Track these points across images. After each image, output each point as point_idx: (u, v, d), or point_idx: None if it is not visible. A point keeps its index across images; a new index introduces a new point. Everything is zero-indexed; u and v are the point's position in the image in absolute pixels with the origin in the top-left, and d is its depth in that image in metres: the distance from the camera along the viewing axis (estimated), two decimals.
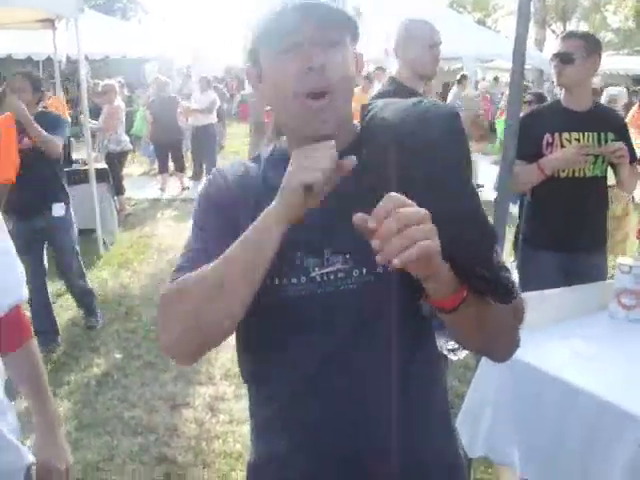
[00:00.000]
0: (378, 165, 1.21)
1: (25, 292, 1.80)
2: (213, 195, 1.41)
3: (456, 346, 2.48)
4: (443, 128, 1.22)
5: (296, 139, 1.35)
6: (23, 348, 1.81)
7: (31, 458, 1.70)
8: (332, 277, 1.31)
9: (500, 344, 1.39)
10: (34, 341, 1.86)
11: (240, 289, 1.21)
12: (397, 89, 3.37)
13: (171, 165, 11.88)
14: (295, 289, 1.31)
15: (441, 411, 1.47)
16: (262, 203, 1.28)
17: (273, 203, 1.20)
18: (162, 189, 11.54)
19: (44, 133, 4.84)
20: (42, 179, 4.99)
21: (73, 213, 5.32)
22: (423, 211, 1.06)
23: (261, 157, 1.46)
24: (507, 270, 1.23)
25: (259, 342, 1.38)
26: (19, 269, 1.78)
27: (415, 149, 1.19)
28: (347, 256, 1.30)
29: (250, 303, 1.24)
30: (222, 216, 1.36)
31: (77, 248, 5.41)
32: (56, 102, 8.73)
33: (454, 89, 14.52)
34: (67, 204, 5.19)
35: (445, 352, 1.51)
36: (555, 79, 3.46)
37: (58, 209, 5.12)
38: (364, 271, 1.30)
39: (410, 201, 1.06)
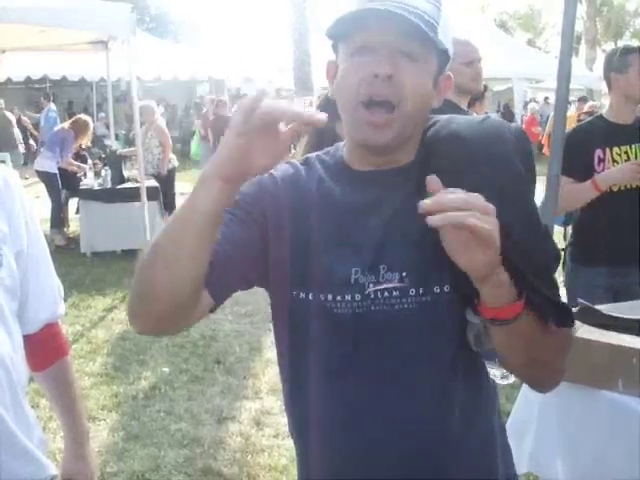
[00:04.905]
0: (447, 177, 1.13)
1: (62, 309, 1.73)
2: (264, 184, 1.34)
3: (506, 372, 2.48)
4: (513, 144, 1.25)
5: (355, 145, 1.31)
6: (55, 366, 1.74)
7: (54, 471, 1.67)
8: (387, 294, 1.25)
9: (545, 372, 1.32)
10: (68, 359, 1.78)
11: (176, 249, 1.11)
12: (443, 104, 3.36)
13: None
14: (349, 306, 1.26)
15: (485, 441, 1.40)
16: (314, 208, 1.28)
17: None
18: None
19: None
20: None
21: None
22: (491, 207, 1.05)
23: (310, 161, 1.39)
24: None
25: (310, 359, 1.33)
26: (56, 283, 1.72)
27: (486, 163, 1.21)
28: (404, 274, 1.25)
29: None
30: (258, 206, 1.31)
31: None
32: None
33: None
34: None
35: (495, 378, 1.48)
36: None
37: None
38: (421, 291, 1.24)
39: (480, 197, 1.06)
